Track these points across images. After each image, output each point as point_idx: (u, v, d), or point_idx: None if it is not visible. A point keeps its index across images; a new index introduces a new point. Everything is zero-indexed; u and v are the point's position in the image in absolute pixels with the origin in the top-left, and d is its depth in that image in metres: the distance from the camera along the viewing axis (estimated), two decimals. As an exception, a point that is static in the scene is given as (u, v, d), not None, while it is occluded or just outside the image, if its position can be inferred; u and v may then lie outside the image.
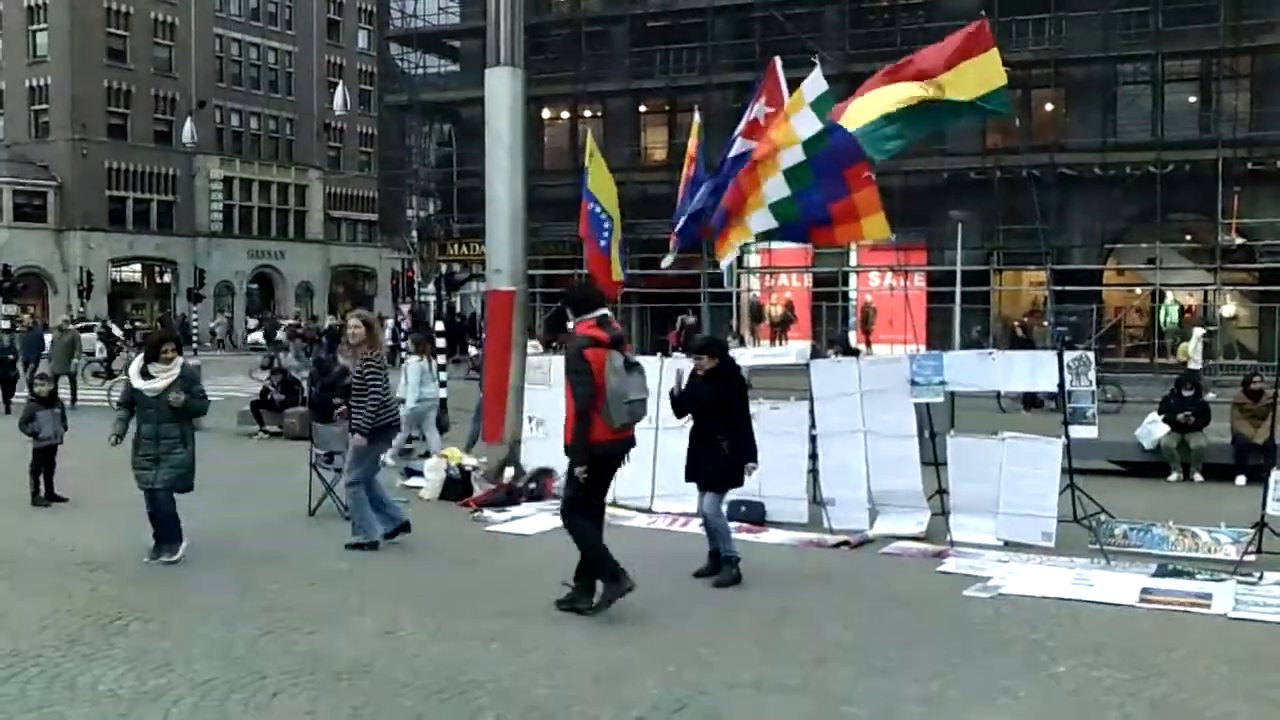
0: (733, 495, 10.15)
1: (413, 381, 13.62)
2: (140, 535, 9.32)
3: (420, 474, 11.88)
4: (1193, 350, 23.39)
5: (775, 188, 9.93)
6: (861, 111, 9.57)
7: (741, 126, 10.87)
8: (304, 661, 6.15)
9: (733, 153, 10.69)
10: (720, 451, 7.94)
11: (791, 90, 10.31)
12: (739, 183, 10.22)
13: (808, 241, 11.31)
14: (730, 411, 7.98)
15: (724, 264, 11.17)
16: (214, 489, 11.85)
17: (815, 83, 9.73)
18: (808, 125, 9.65)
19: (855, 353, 20.20)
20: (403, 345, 37.21)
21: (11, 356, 19.93)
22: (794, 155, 9.76)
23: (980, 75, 8.99)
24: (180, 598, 7.50)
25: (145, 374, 8.45)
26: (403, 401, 13.16)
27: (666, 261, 11.90)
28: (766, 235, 10.54)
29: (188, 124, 50.99)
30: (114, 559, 8.56)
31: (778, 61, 10.73)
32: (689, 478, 8.20)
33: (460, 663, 6.13)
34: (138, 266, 56.71)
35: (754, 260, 32.46)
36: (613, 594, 6.99)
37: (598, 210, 11.85)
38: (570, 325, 7.28)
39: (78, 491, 11.13)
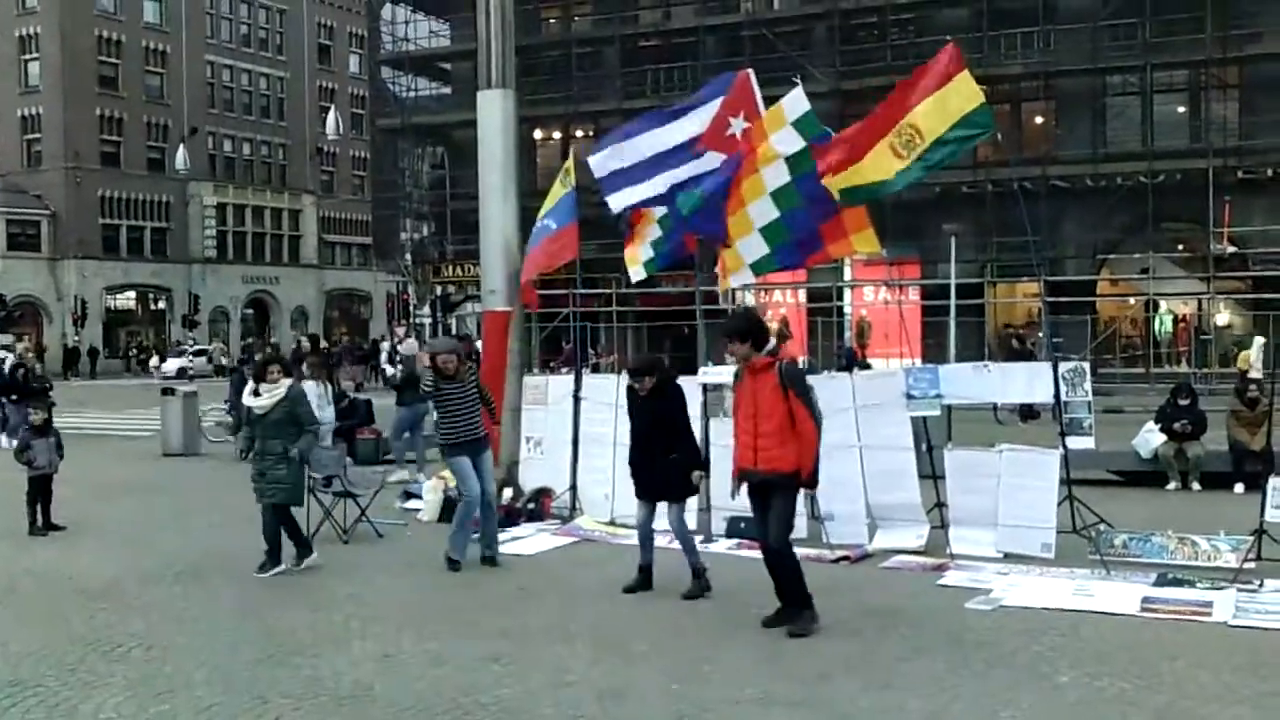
0: (732, 512, 10.18)
1: None
2: (140, 562, 9.35)
3: (419, 496, 11.87)
4: (1254, 359, 22.95)
5: (762, 211, 9.77)
6: (843, 182, 9.22)
7: (701, 131, 10.47)
8: (306, 685, 6.13)
9: (705, 166, 10.22)
10: (673, 464, 8.05)
11: (767, 105, 10.20)
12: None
13: (801, 265, 10.96)
14: (675, 425, 8.11)
15: (734, 281, 10.78)
16: (213, 512, 11.88)
17: (796, 101, 9.63)
18: (790, 143, 9.58)
19: (851, 368, 20.15)
20: (397, 370, 37.42)
21: (49, 385, 19.74)
22: (778, 174, 9.62)
23: (956, 100, 8.83)
24: (180, 623, 7.48)
25: (256, 393, 8.97)
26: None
27: (638, 275, 11.57)
28: (760, 266, 10.28)
29: (180, 151, 51.16)
30: (113, 586, 8.54)
31: (751, 75, 10.55)
32: (643, 494, 8.28)
33: (463, 684, 6.11)
34: (132, 294, 56.77)
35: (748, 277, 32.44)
36: (811, 623, 7.07)
37: (546, 220, 11.65)
38: (744, 354, 7.20)
39: (75, 519, 11.10)
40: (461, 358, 9.42)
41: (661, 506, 8.26)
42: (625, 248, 11.23)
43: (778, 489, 7.11)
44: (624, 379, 11.30)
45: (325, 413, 14.17)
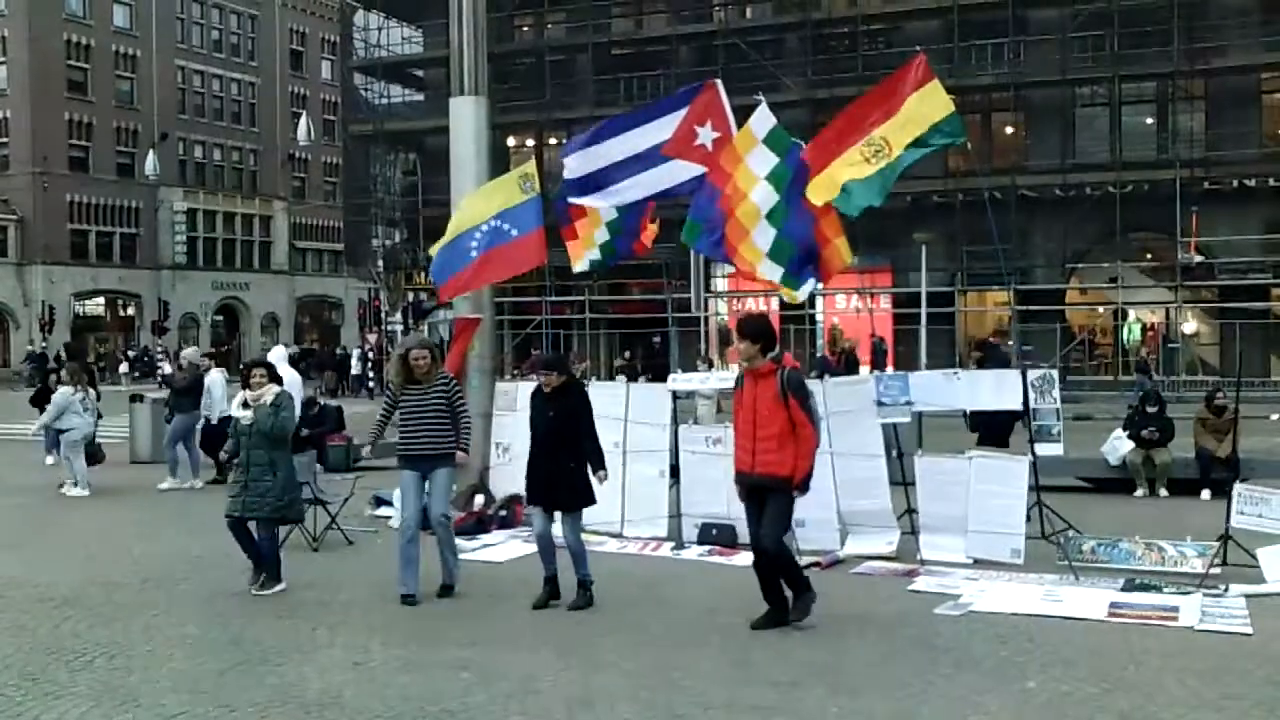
0: (703, 518, 10.20)
1: (50, 410, 14.37)
2: (107, 570, 9.25)
3: (389, 503, 11.79)
4: None
5: (763, 234, 9.77)
6: (823, 188, 9.22)
7: (668, 141, 10.43)
8: (273, 694, 6.08)
9: (678, 176, 10.17)
10: (573, 473, 7.91)
11: (737, 117, 10.16)
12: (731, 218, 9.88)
13: (823, 280, 10.70)
14: (578, 428, 7.97)
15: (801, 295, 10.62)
16: (179, 520, 11.78)
17: (763, 119, 9.61)
18: (765, 162, 9.58)
19: (823, 374, 20.07)
20: (369, 375, 37.28)
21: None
22: (766, 195, 9.62)
23: (927, 108, 8.89)
24: (146, 632, 7.40)
25: (244, 403, 8.58)
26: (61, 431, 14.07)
27: (581, 268, 11.54)
28: (790, 273, 10.08)
29: (150, 156, 50.65)
30: (77, 595, 8.43)
31: (719, 84, 10.50)
32: (536, 501, 8.09)
33: (431, 693, 6.08)
34: (101, 300, 56.15)
35: (721, 284, 32.58)
36: (811, 601, 7.35)
37: (502, 225, 11.19)
38: (751, 354, 7.30)
39: (41, 526, 10.98)
40: (436, 358, 8.64)
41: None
42: (566, 240, 11.24)
43: (773, 492, 7.21)
44: (591, 385, 11.38)
45: (84, 419, 14.23)
